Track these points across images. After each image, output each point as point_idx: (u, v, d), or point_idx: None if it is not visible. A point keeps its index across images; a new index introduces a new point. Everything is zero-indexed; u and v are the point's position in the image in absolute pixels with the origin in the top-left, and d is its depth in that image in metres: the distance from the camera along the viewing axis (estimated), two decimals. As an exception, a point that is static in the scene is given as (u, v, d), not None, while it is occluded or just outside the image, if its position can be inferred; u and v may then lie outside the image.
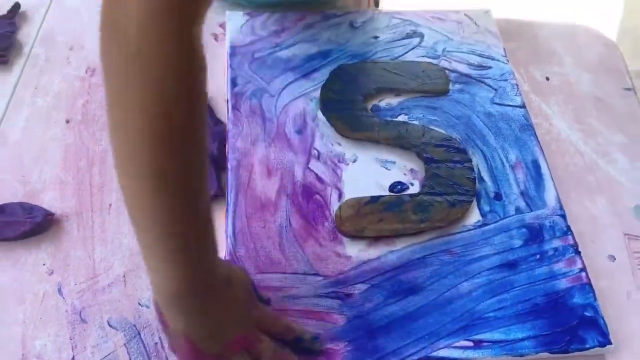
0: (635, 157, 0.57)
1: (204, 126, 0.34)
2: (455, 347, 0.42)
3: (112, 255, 0.47)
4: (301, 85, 0.57)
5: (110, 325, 0.43)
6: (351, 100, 0.56)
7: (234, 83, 0.56)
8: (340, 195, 0.50)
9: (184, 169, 0.33)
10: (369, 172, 0.51)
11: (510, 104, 0.57)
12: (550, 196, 0.51)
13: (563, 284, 0.46)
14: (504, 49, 0.62)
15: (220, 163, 0.52)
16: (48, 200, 0.49)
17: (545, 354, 0.43)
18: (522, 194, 0.51)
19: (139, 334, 0.43)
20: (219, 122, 0.55)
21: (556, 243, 0.48)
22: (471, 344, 0.42)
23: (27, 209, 0.47)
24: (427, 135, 0.53)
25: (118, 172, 0.33)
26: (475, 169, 0.52)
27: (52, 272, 0.45)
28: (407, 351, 0.42)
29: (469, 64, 0.60)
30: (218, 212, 0.50)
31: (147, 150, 0.31)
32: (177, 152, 0.32)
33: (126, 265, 0.46)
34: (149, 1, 0.29)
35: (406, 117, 0.55)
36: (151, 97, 0.30)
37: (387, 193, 0.50)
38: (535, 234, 0.48)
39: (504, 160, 0.53)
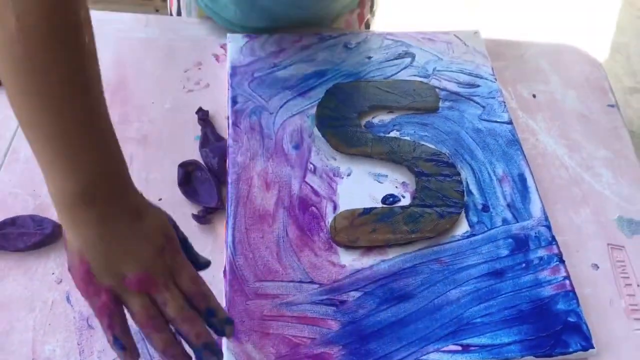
0: (618, 170, 0.59)
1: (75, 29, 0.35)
2: (445, 351, 0.44)
3: (118, 265, 0.49)
4: (298, 103, 0.59)
5: (116, 331, 0.45)
6: (346, 117, 0.58)
7: (234, 101, 0.59)
8: (335, 207, 0.52)
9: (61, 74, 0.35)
10: (362, 185, 0.54)
11: (498, 120, 0.59)
12: (535, 208, 0.53)
13: (547, 291, 0.48)
14: (492, 68, 0.64)
15: (220, 177, 0.54)
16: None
17: (531, 358, 0.44)
18: (509, 206, 0.53)
19: (143, 339, 0.45)
20: (220, 138, 0.58)
21: (541, 252, 0.50)
22: (459, 348, 0.44)
23: (38, 221, 0.50)
24: (417, 150, 0.56)
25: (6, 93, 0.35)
26: (464, 182, 0.54)
27: (60, 281, 0.48)
28: (398, 355, 0.44)
29: (458, 83, 0.62)
30: (219, 224, 0.52)
31: (17, 64, 0.33)
32: (43, 61, 0.34)
33: (131, 274, 0.48)
34: None
35: (398, 133, 0.58)
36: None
37: (379, 205, 0.52)
38: (521, 244, 0.50)
39: (492, 173, 0.55)
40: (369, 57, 0.64)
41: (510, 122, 0.59)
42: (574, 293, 0.48)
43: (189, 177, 0.55)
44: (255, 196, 0.52)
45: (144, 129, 0.58)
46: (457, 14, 1.79)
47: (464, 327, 0.45)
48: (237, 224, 0.50)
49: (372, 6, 0.75)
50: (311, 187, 0.53)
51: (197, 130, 0.58)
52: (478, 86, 0.62)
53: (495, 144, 0.57)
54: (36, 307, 0.46)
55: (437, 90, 0.61)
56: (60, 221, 0.37)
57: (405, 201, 0.53)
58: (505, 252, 0.50)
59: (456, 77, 0.63)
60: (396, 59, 0.64)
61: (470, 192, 0.54)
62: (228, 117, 0.58)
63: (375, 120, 0.59)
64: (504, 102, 0.61)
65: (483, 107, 0.60)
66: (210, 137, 0.57)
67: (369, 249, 0.49)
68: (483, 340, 0.45)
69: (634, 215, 0.56)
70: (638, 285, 0.51)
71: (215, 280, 0.48)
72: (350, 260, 0.49)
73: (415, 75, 0.63)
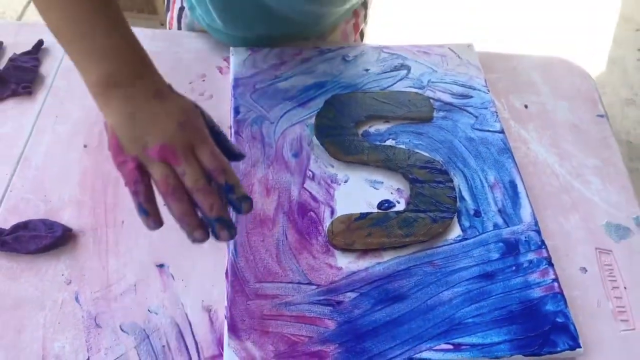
0: (607, 178, 0.61)
1: None
2: (437, 350, 0.46)
3: (124, 266, 0.51)
4: (298, 113, 0.62)
5: (122, 330, 0.47)
6: (343, 126, 0.60)
7: (236, 111, 0.61)
8: (332, 212, 0.54)
9: None
10: (359, 192, 0.56)
11: (490, 129, 0.62)
12: (525, 213, 0.55)
13: (536, 292, 0.50)
14: (485, 80, 0.66)
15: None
16: (67, 217, 0.54)
17: (520, 357, 0.46)
18: (500, 211, 0.55)
19: (148, 337, 0.47)
20: (222, 146, 0.60)
21: (531, 256, 0.52)
22: (451, 347, 0.46)
23: (48, 225, 0.52)
24: (412, 158, 0.58)
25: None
26: (457, 189, 0.56)
27: (70, 282, 0.50)
28: (392, 353, 0.46)
29: (452, 94, 0.65)
30: (221, 228, 0.54)
31: None
32: None
33: (137, 275, 0.50)
34: None
35: (393, 141, 0.60)
36: None
37: (375, 210, 0.54)
38: (511, 247, 0.52)
39: (483, 180, 0.57)
40: (366, 70, 0.66)
41: (502, 132, 0.61)
42: (562, 295, 0.49)
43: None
44: (256, 201, 0.54)
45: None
46: (459, 29, 1.83)
47: (455, 327, 0.47)
48: (239, 228, 0.52)
49: (365, 15, 0.78)
50: (310, 193, 0.55)
51: (201, 139, 0.61)
52: (471, 97, 0.64)
53: (487, 152, 0.60)
54: (46, 306, 0.48)
55: (431, 100, 0.63)
56: (98, 106, 0.42)
57: (400, 207, 0.55)
58: (496, 255, 0.52)
59: (450, 88, 0.65)
60: (392, 71, 0.66)
61: (462, 198, 0.56)
62: (231, 127, 0.60)
63: (372, 130, 0.61)
64: (497, 112, 0.63)
65: (476, 117, 0.63)
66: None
67: (364, 252, 0.51)
68: (474, 339, 0.47)
69: (621, 221, 0.58)
70: (625, 288, 0.53)
71: (217, 282, 0.50)
72: (346, 263, 0.51)
73: (410, 87, 0.65)
